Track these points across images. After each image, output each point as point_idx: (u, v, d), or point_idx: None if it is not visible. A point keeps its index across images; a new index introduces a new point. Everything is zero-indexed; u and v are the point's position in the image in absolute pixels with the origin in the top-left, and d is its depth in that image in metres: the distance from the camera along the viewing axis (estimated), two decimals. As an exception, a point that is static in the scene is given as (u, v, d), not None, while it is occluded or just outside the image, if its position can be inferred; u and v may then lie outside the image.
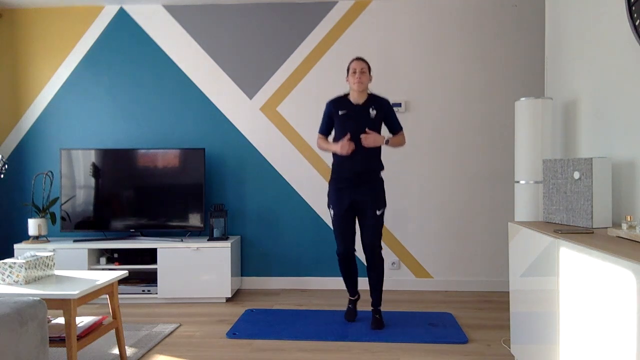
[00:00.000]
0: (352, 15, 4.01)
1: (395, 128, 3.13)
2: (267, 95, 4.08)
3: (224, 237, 3.82)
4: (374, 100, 3.06)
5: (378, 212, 3.02)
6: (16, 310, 1.62)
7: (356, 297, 3.25)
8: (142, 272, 3.97)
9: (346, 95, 3.10)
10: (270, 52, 4.06)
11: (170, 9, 4.09)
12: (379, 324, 3.05)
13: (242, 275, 4.11)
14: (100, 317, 2.45)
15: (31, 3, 4.05)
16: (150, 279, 3.93)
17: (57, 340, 2.19)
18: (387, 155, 3.96)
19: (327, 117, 3.13)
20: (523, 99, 2.79)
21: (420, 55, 3.98)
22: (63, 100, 4.15)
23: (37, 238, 3.77)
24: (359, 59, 3.04)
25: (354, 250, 3.10)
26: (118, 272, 2.55)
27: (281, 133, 4.07)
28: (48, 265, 2.46)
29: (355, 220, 3.10)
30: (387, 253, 4.02)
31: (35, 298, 1.75)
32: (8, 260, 2.29)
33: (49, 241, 3.83)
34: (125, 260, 3.80)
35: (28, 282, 2.31)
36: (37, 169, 4.16)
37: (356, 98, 3.04)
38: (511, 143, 3.93)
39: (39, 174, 4.04)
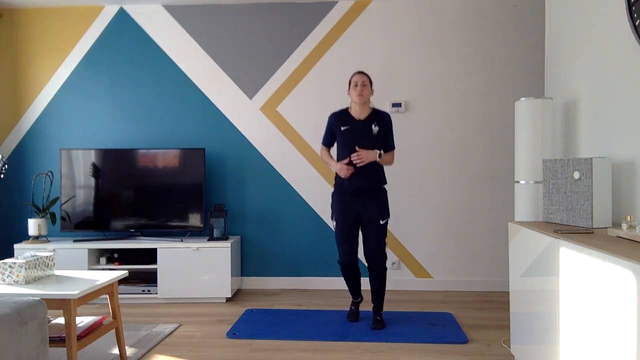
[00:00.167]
0: (352, 15, 4.01)
1: (389, 145, 3.12)
2: (267, 95, 4.08)
3: (224, 237, 3.82)
4: (376, 115, 3.06)
5: (382, 222, 3.03)
6: (16, 310, 1.62)
7: (359, 299, 3.25)
8: (142, 272, 3.97)
9: (347, 109, 3.10)
10: (270, 52, 4.06)
11: (170, 9, 4.09)
12: (379, 325, 3.05)
13: (242, 275, 4.11)
14: (100, 317, 2.45)
15: (31, 3, 4.05)
16: (150, 279, 3.93)
17: (57, 340, 2.19)
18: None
19: (329, 130, 3.14)
20: (523, 99, 2.79)
21: (420, 55, 3.98)
22: (63, 100, 4.15)
23: (37, 238, 3.77)
24: (360, 72, 3.05)
25: (357, 260, 3.10)
26: (118, 272, 2.55)
27: (281, 133, 4.07)
28: (48, 265, 2.46)
29: (358, 232, 3.10)
30: (387, 253, 4.00)
31: (35, 298, 1.75)
32: (8, 260, 2.29)
33: (49, 241, 3.83)
34: (125, 260, 3.80)
35: (28, 282, 2.31)
36: (37, 169, 4.16)
37: (358, 112, 3.04)
38: (511, 143, 3.93)
39: (39, 174, 4.04)
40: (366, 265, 3.10)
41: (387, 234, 3.99)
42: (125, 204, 3.88)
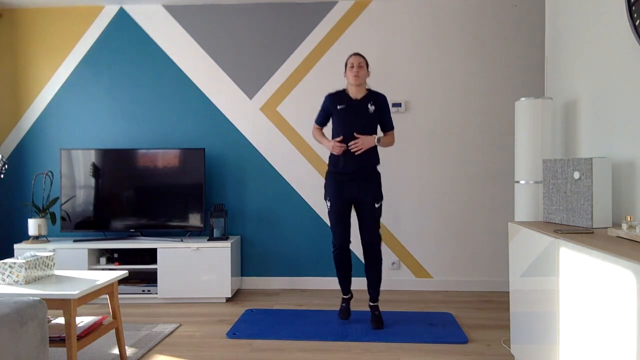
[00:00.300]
0: (352, 15, 4.01)
1: (388, 126, 3.16)
2: (267, 95, 4.08)
3: (224, 237, 3.82)
4: (372, 95, 3.09)
5: (377, 205, 3.06)
6: (16, 310, 1.62)
7: (349, 295, 3.23)
8: (142, 272, 3.97)
9: (345, 90, 3.13)
10: (270, 52, 4.06)
11: (170, 9, 4.09)
12: (379, 323, 3.06)
13: (242, 275, 4.11)
14: (100, 317, 2.45)
15: (31, 3, 4.05)
16: (150, 279, 3.93)
17: (57, 340, 2.19)
18: (387, 155, 3.96)
19: (324, 110, 3.16)
20: (523, 99, 2.79)
21: (420, 55, 3.98)
22: (63, 100, 4.15)
23: (37, 238, 3.77)
24: (356, 54, 3.08)
25: (350, 242, 3.11)
26: (118, 272, 2.55)
27: (281, 133, 4.07)
28: (48, 265, 2.46)
29: (351, 213, 3.12)
30: (387, 253, 4.02)
31: (35, 298, 1.75)
32: (8, 260, 2.29)
33: (49, 241, 3.83)
34: (125, 260, 3.80)
35: (28, 282, 2.31)
36: (37, 169, 4.16)
37: (354, 92, 3.08)
38: (511, 143, 3.93)
39: (39, 174, 4.04)
40: (362, 260, 3.10)
41: (387, 233, 4.02)
42: (125, 204, 3.88)
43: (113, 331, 2.92)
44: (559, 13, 2.98)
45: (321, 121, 3.21)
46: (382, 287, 4.01)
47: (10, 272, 2.29)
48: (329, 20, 4.02)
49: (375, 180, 3.10)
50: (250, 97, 4.09)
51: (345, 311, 3.20)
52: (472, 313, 3.38)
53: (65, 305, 2.13)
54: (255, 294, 3.93)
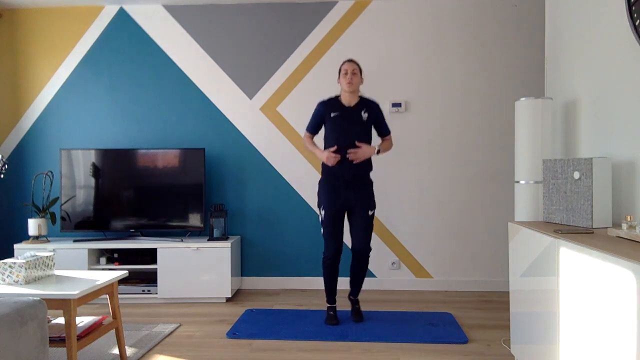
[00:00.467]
0: (352, 15, 4.01)
1: (384, 132, 3.19)
2: (267, 95, 4.08)
3: (224, 237, 3.82)
4: (365, 103, 3.11)
5: (370, 212, 3.08)
6: (16, 310, 1.62)
7: (335, 304, 3.22)
8: (142, 272, 3.97)
9: (337, 97, 3.13)
10: (270, 52, 4.06)
11: (170, 9, 4.09)
12: (360, 316, 3.15)
13: (242, 275, 4.11)
14: (100, 317, 2.45)
15: (31, 3, 4.05)
16: (150, 279, 3.93)
17: (57, 340, 2.19)
18: (387, 155, 3.96)
19: (317, 117, 3.15)
20: (523, 99, 2.79)
21: (420, 55, 3.99)
22: (63, 100, 4.15)
23: (37, 238, 3.77)
24: (350, 60, 3.09)
25: (342, 251, 3.12)
26: (118, 272, 2.55)
27: (281, 133, 4.07)
28: (48, 265, 2.46)
29: (344, 222, 3.13)
30: (387, 253, 4.02)
31: (35, 298, 1.75)
32: (8, 260, 2.29)
33: (49, 241, 3.83)
34: (125, 260, 3.80)
35: (28, 282, 2.31)
36: (37, 169, 4.16)
37: (348, 100, 3.08)
38: (511, 143, 3.93)
39: (39, 174, 4.04)
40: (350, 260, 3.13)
41: (387, 233, 4.02)
42: (125, 204, 3.88)
43: (113, 331, 2.92)
44: (559, 13, 2.98)
45: (313, 129, 3.19)
46: (382, 287, 4.03)
47: (10, 272, 2.29)
48: (329, 20, 4.02)
49: (369, 187, 3.12)
50: (250, 97, 4.09)
51: (333, 318, 3.15)
52: (472, 313, 3.38)
53: (65, 305, 2.13)
54: (255, 294, 3.93)
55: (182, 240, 3.74)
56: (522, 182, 2.80)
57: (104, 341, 2.84)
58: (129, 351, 2.68)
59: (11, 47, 4.18)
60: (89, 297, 2.27)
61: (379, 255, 4.01)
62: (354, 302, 3.22)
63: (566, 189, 2.29)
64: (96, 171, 3.88)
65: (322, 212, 3.09)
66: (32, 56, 4.17)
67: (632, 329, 1.39)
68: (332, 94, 3.20)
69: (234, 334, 2.96)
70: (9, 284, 2.29)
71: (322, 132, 3.29)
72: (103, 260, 3.82)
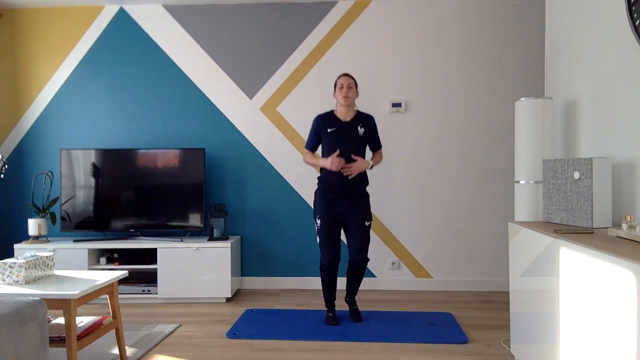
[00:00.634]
0: (352, 15, 4.01)
1: (376, 146, 3.24)
2: (267, 95, 4.08)
3: (224, 237, 3.82)
4: (361, 117, 3.14)
5: (367, 224, 3.11)
6: (16, 310, 1.62)
7: (334, 308, 3.21)
8: (142, 272, 3.97)
9: (333, 112, 3.16)
10: (270, 52, 4.06)
11: (170, 9, 4.09)
12: (358, 315, 3.17)
13: (242, 275, 4.11)
14: (100, 317, 2.45)
15: (31, 3, 4.05)
16: (150, 279, 3.93)
17: (57, 340, 2.19)
18: (387, 155, 3.96)
19: (315, 133, 3.17)
20: (523, 99, 2.79)
21: (420, 55, 3.98)
22: (63, 100, 4.15)
23: (37, 238, 3.77)
24: (345, 75, 3.13)
25: (339, 260, 3.11)
26: (118, 272, 2.55)
27: (281, 133, 4.07)
28: (48, 265, 2.46)
29: (341, 232, 3.15)
30: (387, 253, 4.02)
31: (35, 298, 1.75)
32: (8, 260, 2.29)
33: (49, 241, 3.83)
34: (125, 260, 3.80)
35: (28, 282, 2.31)
36: (37, 169, 4.16)
37: (343, 114, 3.12)
38: (511, 143, 3.93)
39: (39, 174, 4.04)
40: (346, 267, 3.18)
41: (387, 233, 4.02)
42: (125, 204, 3.88)
43: (113, 331, 2.92)
44: (559, 13, 2.97)
45: (312, 145, 3.21)
46: (382, 287, 4.03)
47: (10, 272, 2.29)
48: (329, 20, 4.02)
49: (365, 199, 3.15)
50: (250, 97, 4.09)
51: (333, 318, 3.15)
52: (472, 313, 3.38)
53: (65, 305, 2.13)
54: (255, 294, 3.93)
55: (182, 240, 3.74)
56: (522, 182, 2.80)
57: (104, 341, 2.84)
58: (129, 351, 2.68)
59: (11, 47, 4.18)
60: (89, 297, 2.27)
61: (379, 255, 4.01)
62: (352, 302, 3.24)
63: (566, 189, 2.29)
64: (96, 171, 3.88)
65: (318, 222, 3.11)
66: (32, 56, 4.17)
67: (632, 329, 1.39)
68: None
69: (234, 334, 2.96)
70: (9, 284, 2.29)
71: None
72: (103, 260, 3.82)
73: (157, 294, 3.69)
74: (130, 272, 3.93)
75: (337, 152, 3.02)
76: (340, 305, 3.45)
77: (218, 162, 4.10)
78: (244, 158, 4.09)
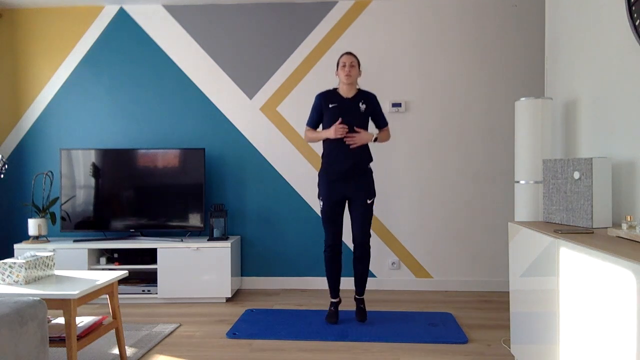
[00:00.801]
0: (352, 15, 4.01)
1: (382, 123, 3.22)
2: (267, 95, 4.08)
3: (224, 237, 3.82)
4: (362, 94, 3.13)
5: (369, 201, 3.09)
6: (16, 310, 1.62)
7: (338, 299, 3.22)
8: (142, 272, 3.97)
9: (335, 89, 3.16)
10: (270, 52, 4.06)
11: (170, 9, 4.09)
12: (363, 315, 3.13)
13: (242, 275, 4.11)
14: (100, 317, 2.45)
15: (31, 3, 4.05)
16: (150, 279, 3.93)
17: (57, 340, 2.19)
18: (387, 155, 3.97)
19: (316, 110, 3.17)
20: (523, 99, 2.79)
21: (420, 55, 3.98)
22: (63, 100, 4.15)
23: (37, 238, 3.77)
24: (348, 53, 3.11)
25: (342, 243, 3.14)
26: (118, 272, 2.55)
27: (281, 133, 4.07)
28: (48, 265, 2.46)
29: (344, 212, 3.15)
30: (387, 253, 4.02)
31: (35, 298, 1.75)
32: (8, 260, 2.29)
33: (49, 241, 3.83)
34: (125, 260, 3.80)
35: (28, 282, 2.31)
36: (37, 169, 4.16)
37: (345, 92, 3.11)
38: (511, 143, 3.93)
39: (39, 174, 4.04)
40: (352, 254, 3.12)
41: (387, 233, 4.02)
42: (125, 204, 3.88)
43: (113, 331, 2.92)
44: (559, 13, 2.97)
45: (313, 123, 3.20)
46: (382, 287, 4.03)
47: (10, 272, 2.29)
48: (329, 20, 4.02)
49: (368, 177, 3.13)
50: (250, 97, 4.09)
51: (334, 315, 3.16)
52: (472, 313, 3.38)
53: (65, 305, 2.13)
54: (255, 294, 3.93)
55: (182, 240, 3.74)
56: (522, 182, 2.80)
57: (104, 341, 2.84)
58: (129, 351, 2.68)
59: (11, 47, 4.18)
60: (89, 297, 2.27)
61: (379, 255, 4.01)
62: (359, 301, 3.19)
63: (566, 189, 2.29)
64: (96, 171, 3.88)
65: (321, 203, 3.13)
66: (32, 56, 4.17)
67: (632, 329, 1.39)
68: (330, 87, 3.23)
69: (234, 334, 2.96)
70: (9, 284, 2.29)
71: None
72: (103, 260, 3.82)
73: (157, 294, 3.69)
74: (130, 272, 3.93)
75: (340, 119, 3.00)
76: (346, 305, 3.44)
77: (218, 162, 4.10)
78: (244, 158, 4.09)
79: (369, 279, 4.00)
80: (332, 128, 3.00)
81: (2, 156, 3.09)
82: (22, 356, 1.61)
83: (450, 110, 3.97)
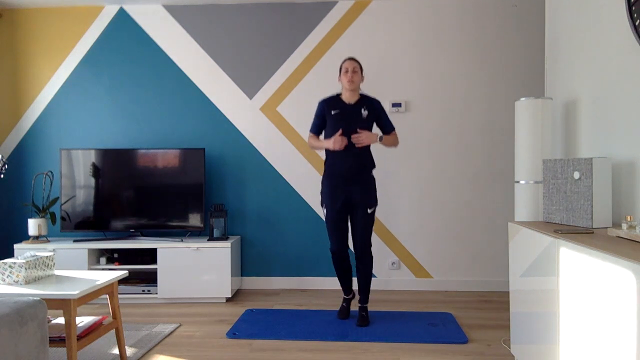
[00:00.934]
0: (352, 15, 4.01)
1: (388, 128, 3.19)
2: (267, 95, 4.08)
3: (224, 237, 3.82)
4: (365, 100, 3.12)
5: (369, 211, 3.09)
6: (16, 310, 1.62)
7: (351, 295, 3.26)
8: (142, 272, 3.97)
9: (338, 95, 3.15)
10: (270, 52, 4.06)
11: (170, 9, 4.09)
12: (364, 321, 3.11)
13: (242, 275, 4.11)
14: (100, 317, 2.45)
15: (31, 3, 4.05)
16: (150, 279, 3.93)
17: (57, 340, 2.19)
18: (387, 154, 3.97)
19: (319, 117, 3.17)
20: (523, 99, 2.79)
21: (420, 55, 3.98)
22: (63, 100, 4.15)
23: (37, 238, 3.77)
24: (351, 58, 3.11)
25: (347, 247, 3.14)
26: (118, 272, 2.55)
27: (281, 133, 4.07)
28: (48, 265, 2.46)
29: (348, 218, 3.14)
30: (387, 253, 4.02)
31: (35, 298, 1.75)
32: (8, 260, 2.29)
33: (49, 241, 3.83)
34: (125, 260, 3.80)
35: (28, 282, 2.31)
36: (37, 169, 4.16)
37: (348, 97, 3.11)
38: (511, 143, 3.93)
39: (39, 174, 4.04)
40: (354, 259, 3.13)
41: (387, 233, 4.02)
42: (125, 204, 3.88)
43: (113, 331, 2.92)
44: (559, 13, 2.97)
45: (317, 129, 3.20)
46: (382, 287, 4.03)
47: (10, 272, 2.29)
48: (329, 20, 4.02)
49: (370, 184, 3.12)
50: (250, 97, 4.09)
51: (344, 311, 3.24)
52: (472, 313, 3.37)
53: (65, 305, 2.13)
54: (255, 294, 3.93)
55: (182, 240, 3.74)
56: (522, 182, 2.80)
57: (104, 341, 2.84)
58: (129, 351, 2.68)
59: (11, 47, 4.18)
60: (89, 297, 2.27)
61: (379, 255, 4.01)
62: (362, 308, 3.17)
63: (566, 189, 2.29)
64: (96, 171, 3.88)
65: (325, 210, 3.14)
66: (32, 56, 4.17)
67: (632, 329, 1.39)
68: (334, 93, 3.22)
69: (234, 334, 2.96)
70: (9, 284, 2.29)
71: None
72: (103, 260, 3.82)
73: (157, 294, 3.69)
74: (130, 272, 3.93)
75: (340, 131, 3.01)
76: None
77: (218, 162, 4.10)
78: (244, 158, 4.09)
79: (369, 279, 4.00)
80: (332, 140, 3.00)
81: (2, 156, 3.09)
82: (22, 356, 1.61)
83: (450, 110, 3.97)
